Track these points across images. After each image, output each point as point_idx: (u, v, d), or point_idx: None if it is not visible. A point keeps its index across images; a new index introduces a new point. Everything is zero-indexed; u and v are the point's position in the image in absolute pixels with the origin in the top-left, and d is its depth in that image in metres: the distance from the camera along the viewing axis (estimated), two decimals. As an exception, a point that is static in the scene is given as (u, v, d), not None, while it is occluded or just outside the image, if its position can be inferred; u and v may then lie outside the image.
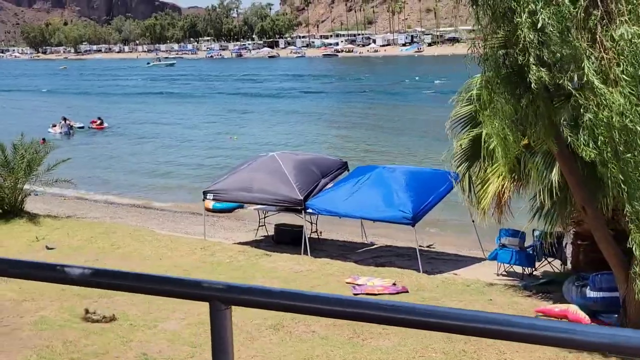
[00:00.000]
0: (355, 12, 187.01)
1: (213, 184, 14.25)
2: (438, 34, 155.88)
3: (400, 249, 14.21)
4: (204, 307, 1.35)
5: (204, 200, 14.20)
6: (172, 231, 15.60)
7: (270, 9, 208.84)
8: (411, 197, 11.92)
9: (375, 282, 10.42)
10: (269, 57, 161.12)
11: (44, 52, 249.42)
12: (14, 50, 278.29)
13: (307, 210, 12.82)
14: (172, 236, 14.37)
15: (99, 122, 41.24)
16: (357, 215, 12.50)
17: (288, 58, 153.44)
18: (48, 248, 12.91)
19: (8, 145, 16.15)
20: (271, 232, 15.60)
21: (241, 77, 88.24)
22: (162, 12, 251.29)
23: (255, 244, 14.40)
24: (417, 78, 71.70)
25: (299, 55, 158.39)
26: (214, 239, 14.39)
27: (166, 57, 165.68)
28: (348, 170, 14.64)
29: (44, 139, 31.92)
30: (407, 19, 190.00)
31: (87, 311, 8.63)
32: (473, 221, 11.97)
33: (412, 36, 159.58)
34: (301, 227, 14.44)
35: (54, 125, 38.66)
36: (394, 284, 10.43)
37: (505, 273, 11.93)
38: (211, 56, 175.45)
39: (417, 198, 11.98)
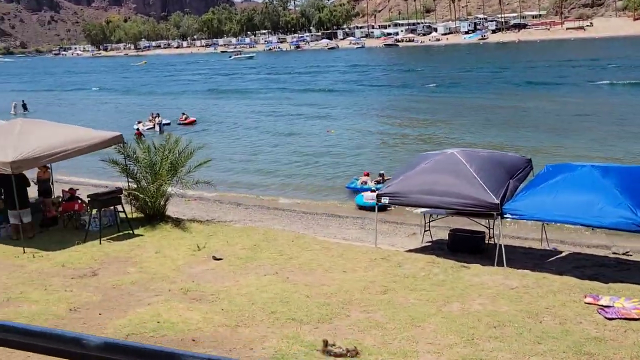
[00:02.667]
0: (414, 0, 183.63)
1: (386, 186, 12.94)
2: (502, 20, 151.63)
3: (596, 257, 12.68)
4: None
5: (377, 204, 12.88)
6: (326, 236, 14.39)
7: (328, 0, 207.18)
8: (636, 200, 10.35)
9: (624, 303, 8.91)
10: (328, 48, 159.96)
11: (105, 49, 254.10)
12: (75, 48, 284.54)
13: (505, 216, 11.38)
14: (340, 244, 13.13)
15: (184, 117, 40.67)
16: (575, 221, 10.99)
17: (348, 49, 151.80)
18: (215, 259, 11.83)
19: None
20: (436, 237, 14.30)
21: (313, 70, 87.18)
22: (218, 7, 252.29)
23: (427, 251, 13.07)
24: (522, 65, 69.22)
25: (359, 46, 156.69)
26: (382, 245, 13.11)
27: (235, 50, 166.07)
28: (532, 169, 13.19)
29: (140, 133, 31.49)
30: (466, 5, 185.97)
31: (326, 343, 7.41)
32: None
33: (474, 23, 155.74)
34: (481, 233, 13.06)
35: (140, 122, 38.21)
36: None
37: None
38: (270, 49, 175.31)
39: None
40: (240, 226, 14.92)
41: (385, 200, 12.44)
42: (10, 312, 8.83)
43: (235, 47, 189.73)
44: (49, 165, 15.28)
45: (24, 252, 12.88)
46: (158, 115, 38.40)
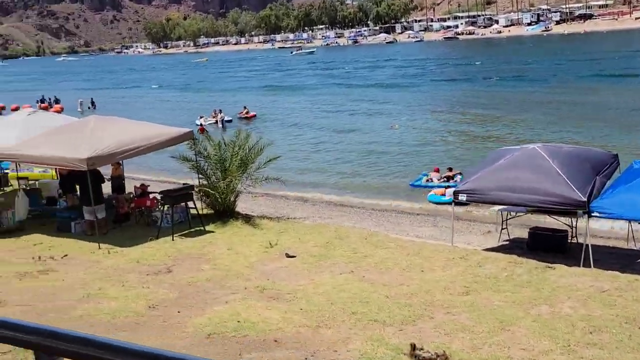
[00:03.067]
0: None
1: (463, 183, 12.52)
2: (567, 10, 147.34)
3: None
4: None
5: (454, 202, 12.47)
6: (398, 234, 14.04)
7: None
8: None
9: None
10: (386, 42, 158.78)
11: (165, 47, 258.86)
12: (136, 46, 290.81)
13: (593, 214, 10.81)
14: (414, 242, 12.78)
15: (245, 111, 40.85)
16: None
17: (406, 43, 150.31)
18: (288, 256, 11.66)
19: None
20: (513, 235, 13.78)
21: (371, 64, 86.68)
22: (275, 3, 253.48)
23: (506, 250, 12.58)
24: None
25: (418, 39, 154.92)
26: (458, 244, 12.69)
27: (295, 45, 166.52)
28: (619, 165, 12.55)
29: (203, 128, 31.67)
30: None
31: (414, 347, 7.10)
32: None
33: (537, 14, 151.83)
34: (564, 231, 12.50)
35: (202, 117, 38.53)
36: None
37: None
38: (327, 44, 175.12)
39: None
40: (311, 223, 14.72)
41: (462, 198, 12.01)
42: (90, 309, 8.83)
43: (292, 43, 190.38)
44: (120, 161, 15.41)
45: (99, 247, 13.00)
46: (220, 111, 38.67)
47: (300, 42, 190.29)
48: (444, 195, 17.00)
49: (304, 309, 8.73)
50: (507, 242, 13.39)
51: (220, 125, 36.33)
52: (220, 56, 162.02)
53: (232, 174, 14.42)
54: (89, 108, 53.99)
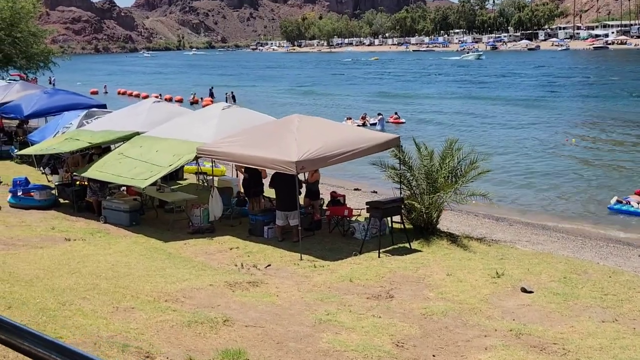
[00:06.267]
0: (627, 0, 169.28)
1: None
2: None
3: None
4: None
5: None
6: (637, 272, 12.03)
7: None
8: None
9: None
10: (528, 49, 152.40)
11: (299, 45, 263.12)
12: (271, 43, 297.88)
13: None
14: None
15: (395, 116, 39.58)
16: None
17: (550, 51, 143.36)
18: (525, 291, 10.06)
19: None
20: None
21: (524, 72, 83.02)
22: (412, 5, 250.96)
23: None
24: None
25: (563, 48, 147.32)
26: None
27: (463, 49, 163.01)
28: None
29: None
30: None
31: None
32: None
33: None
34: None
35: (349, 119, 37.60)
36: None
37: None
38: (463, 49, 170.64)
39: None
40: (531, 250, 12.99)
41: None
42: (333, 341, 7.65)
43: (428, 47, 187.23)
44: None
45: (301, 259, 12.02)
46: (365, 115, 38.16)
47: (436, 46, 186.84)
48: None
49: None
50: None
51: (378, 127, 35.19)
52: (382, 56, 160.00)
53: (443, 187, 12.99)
54: (227, 101, 54.66)
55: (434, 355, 7.53)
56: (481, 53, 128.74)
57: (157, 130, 15.40)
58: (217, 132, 14.13)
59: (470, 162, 13.46)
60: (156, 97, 35.66)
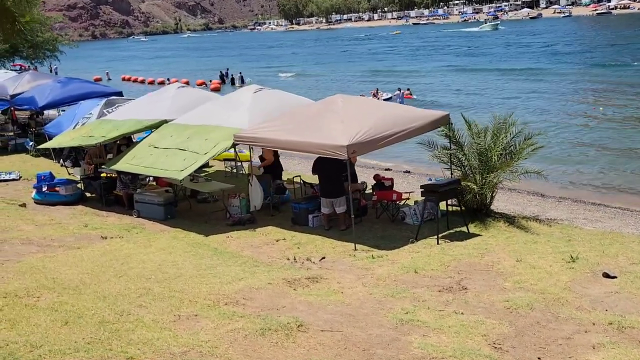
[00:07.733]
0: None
1: None
2: None
3: None
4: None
5: None
6: None
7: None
8: None
9: None
10: (530, 18, 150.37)
11: (297, 24, 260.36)
12: (269, 23, 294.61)
13: None
14: None
15: (407, 92, 38.99)
16: None
17: (552, 18, 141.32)
18: (607, 276, 9.30)
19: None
20: None
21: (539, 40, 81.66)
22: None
23: None
24: None
25: (565, 14, 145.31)
26: None
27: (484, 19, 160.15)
28: None
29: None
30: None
31: None
32: None
33: None
34: None
35: (362, 94, 36.73)
36: None
37: None
38: (465, 20, 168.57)
39: None
40: (596, 229, 12.22)
41: None
42: (423, 344, 6.90)
43: (428, 19, 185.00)
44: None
45: (355, 249, 11.27)
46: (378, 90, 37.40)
47: (436, 18, 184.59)
48: None
49: None
50: None
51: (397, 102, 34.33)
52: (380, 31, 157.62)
53: (500, 166, 12.19)
54: (236, 83, 53.79)
55: (539, 358, 6.79)
56: (498, 23, 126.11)
57: (185, 117, 14.60)
58: (251, 118, 13.30)
59: (525, 138, 12.60)
60: (175, 82, 34.82)
